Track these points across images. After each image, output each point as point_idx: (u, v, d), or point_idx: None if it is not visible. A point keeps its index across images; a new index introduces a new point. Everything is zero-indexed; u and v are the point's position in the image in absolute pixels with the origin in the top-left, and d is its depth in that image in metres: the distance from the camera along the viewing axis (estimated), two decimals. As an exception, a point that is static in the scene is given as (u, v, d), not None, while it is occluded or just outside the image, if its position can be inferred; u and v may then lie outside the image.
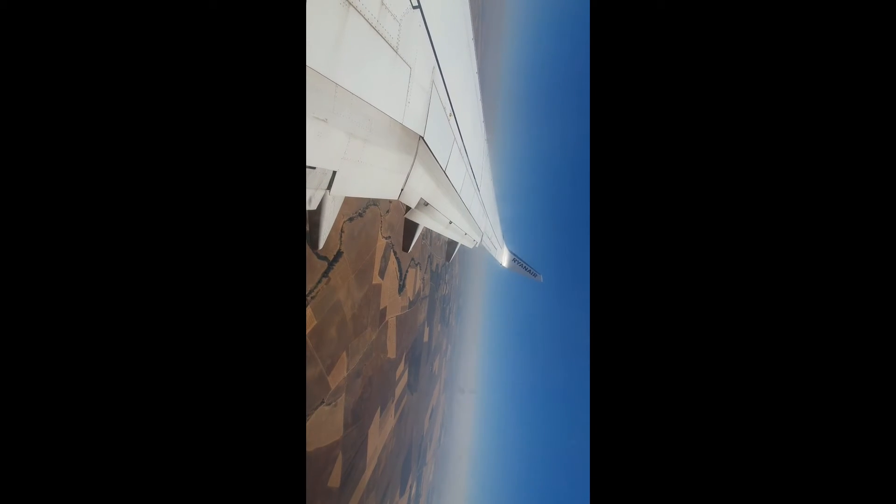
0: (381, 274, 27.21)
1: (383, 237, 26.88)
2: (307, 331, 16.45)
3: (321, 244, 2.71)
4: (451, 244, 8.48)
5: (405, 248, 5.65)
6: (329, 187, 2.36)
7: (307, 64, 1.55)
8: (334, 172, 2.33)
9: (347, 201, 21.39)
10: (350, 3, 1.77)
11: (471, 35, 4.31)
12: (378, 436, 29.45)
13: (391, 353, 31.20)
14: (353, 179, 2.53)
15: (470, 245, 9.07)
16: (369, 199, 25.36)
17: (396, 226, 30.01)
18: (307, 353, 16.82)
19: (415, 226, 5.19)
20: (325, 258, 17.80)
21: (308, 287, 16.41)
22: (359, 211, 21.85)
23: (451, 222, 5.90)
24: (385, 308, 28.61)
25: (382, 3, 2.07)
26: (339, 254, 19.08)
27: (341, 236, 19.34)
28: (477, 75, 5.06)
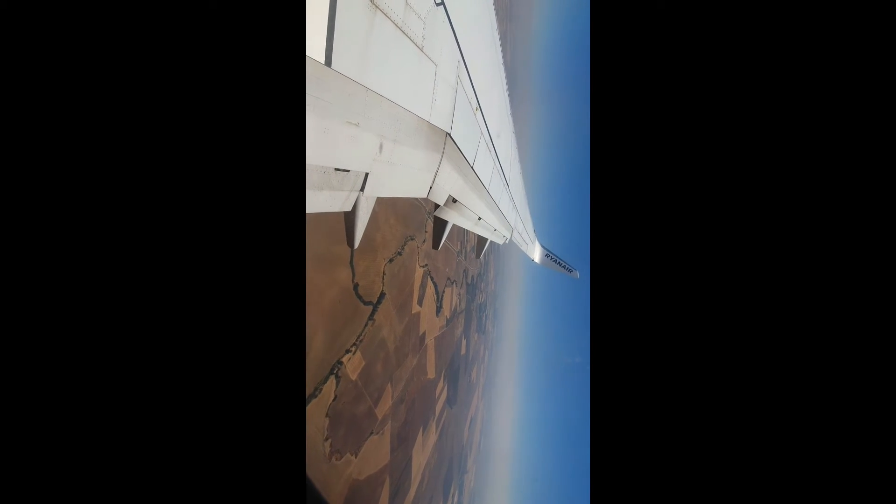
0: (420, 301, 28.42)
1: (420, 266, 28.04)
2: (356, 374, 17.91)
3: (357, 243, 2.83)
4: (481, 241, 8.52)
5: (434, 246, 5.86)
6: (362, 189, 2.44)
7: (339, 70, 1.60)
8: (367, 174, 2.39)
9: (385, 242, 22.37)
10: (377, 7, 1.81)
11: (495, 27, 4.22)
12: (421, 453, 30.86)
13: (431, 374, 32.43)
14: (385, 180, 2.61)
15: (500, 241, 8.96)
16: (407, 234, 26.14)
17: (432, 252, 31.05)
18: (357, 392, 18.32)
19: (444, 223, 5.21)
20: (370, 303, 19.16)
21: (356, 333, 17.85)
22: (398, 250, 23.07)
23: (479, 219, 5.91)
24: (424, 332, 29.83)
25: (407, 3, 2.09)
26: (381, 295, 20.40)
27: (383, 278, 20.64)
28: (503, 67, 4.92)
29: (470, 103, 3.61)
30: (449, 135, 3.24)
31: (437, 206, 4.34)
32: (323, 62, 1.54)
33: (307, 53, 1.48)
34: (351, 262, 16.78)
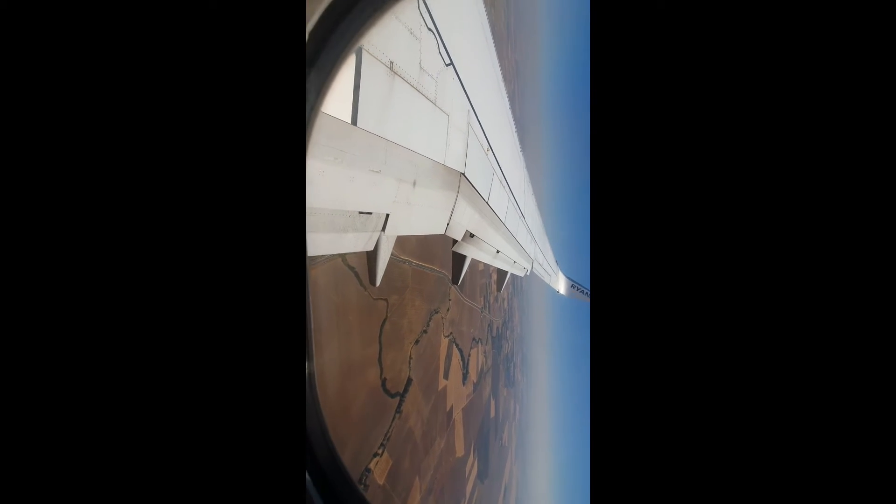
0: (446, 374, 27.34)
1: (444, 337, 27.35)
2: (383, 477, 16.82)
3: (378, 281, 2.93)
4: (502, 274, 8.45)
5: (454, 281, 5.99)
6: (384, 229, 2.62)
7: (363, 127, 1.75)
8: (387, 215, 2.58)
9: (412, 326, 22.11)
10: (395, 73, 2.05)
11: (500, 76, 4.74)
12: (453, 547, 27.93)
13: (459, 452, 30.31)
14: (404, 219, 2.80)
15: (520, 273, 9.17)
16: (431, 309, 25.93)
17: (457, 319, 30.43)
18: (384, 496, 17.08)
19: (462, 258, 5.46)
20: (397, 394, 18.50)
21: (383, 432, 17.03)
22: (423, 328, 22.68)
23: (498, 252, 6.09)
24: (451, 407, 28.35)
25: (421, 67, 2.36)
26: (408, 382, 19.73)
27: (410, 363, 20.09)
28: (509, 111, 5.41)
29: (481, 145, 3.89)
30: (463, 174, 3.51)
31: (454, 241, 4.56)
32: (350, 122, 1.74)
33: (337, 115, 1.67)
34: (379, 359, 16.48)
